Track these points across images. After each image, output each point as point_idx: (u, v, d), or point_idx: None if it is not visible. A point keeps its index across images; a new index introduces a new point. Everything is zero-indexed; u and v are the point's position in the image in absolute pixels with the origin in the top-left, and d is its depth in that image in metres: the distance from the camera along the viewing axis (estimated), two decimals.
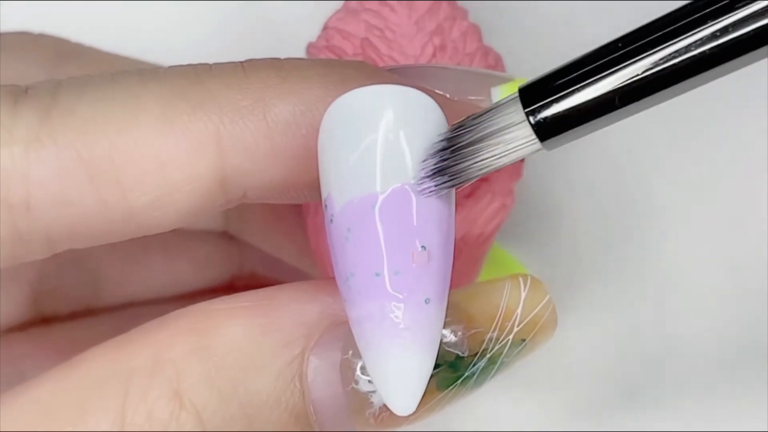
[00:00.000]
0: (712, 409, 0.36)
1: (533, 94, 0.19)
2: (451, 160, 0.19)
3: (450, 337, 0.20)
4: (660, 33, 0.18)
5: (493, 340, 0.21)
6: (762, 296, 0.36)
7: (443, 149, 0.19)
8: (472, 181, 0.20)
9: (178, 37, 0.38)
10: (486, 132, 0.19)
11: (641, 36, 0.18)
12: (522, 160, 0.28)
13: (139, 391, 0.20)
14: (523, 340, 0.21)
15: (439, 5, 0.27)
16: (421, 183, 0.19)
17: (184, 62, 0.21)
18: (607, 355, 0.36)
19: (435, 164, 0.19)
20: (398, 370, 0.19)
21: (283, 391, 0.20)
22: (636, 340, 0.36)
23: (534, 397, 0.36)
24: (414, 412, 0.20)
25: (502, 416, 0.36)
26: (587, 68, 0.18)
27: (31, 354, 0.28)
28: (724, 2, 0.17)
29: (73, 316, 0.30)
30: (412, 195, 0.19)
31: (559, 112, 0.18)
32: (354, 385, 0.20)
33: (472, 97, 0.22)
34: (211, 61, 0.21)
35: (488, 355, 0.21)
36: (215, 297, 0.21)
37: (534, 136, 0.19)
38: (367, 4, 0.27)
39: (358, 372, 0.20)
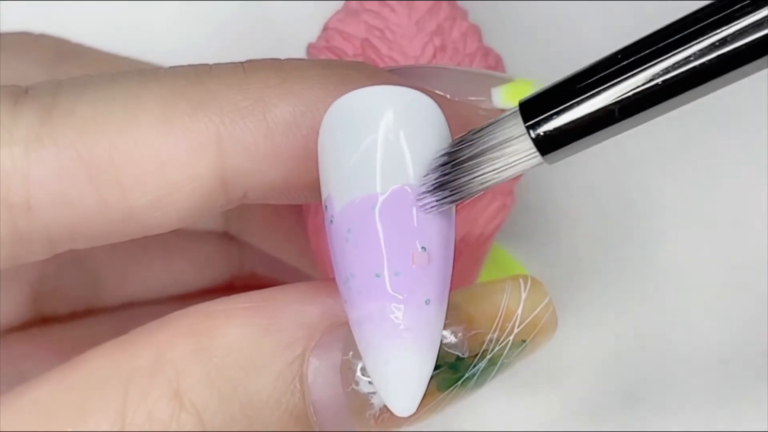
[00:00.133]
0: (712, 409, 0.36)
1: (533, 108, 0.19)
2: (451, 174, 0.19)
3: (450, 338, 0.20)
4: (660, 45, 0.18)
5: (494, 341, 0.21)
6: (762, 296, 0.36)
7: (444, 164, 0.19)
8: (474, 196, 0.20)
9: (179, 38, 0.37)
10: (486, 146, 0.19)
11: (641, 48, 0.18)
12: None
13: (140, 392, 0.20)
14: (524, 341, 0.21)
15: (439, 6, 0.27)
16: (422, 198, 0.19)
17: (185, 62, 0.21)
18: (607, 355, 0.36)
19: (436, 179, 0.19)
20: (399, 371, 0.19)
21: (283, 392, 0.20)
22: (636, 340, 0.36)
23: (534, 397, 0.36)
24: (414, 413, 0.20)
25: (502, 416, 0.36)
26: (587, 81, 0.18)
27: (31, 354, 0.28)
28: (724, 13, 0.17)
29: (73, 316, 0.30)
30: (412, 196, 0.19)
31: (559, 126, 0.19)
32: (354, 386, 0.20)
33: (473, 98, 0.22)
34: (211, 61, 0.21)
35: (488, 356, 0.21)
36: (215, 297, 0.21)
37: (535, 150, 0.19)
38: (368, 5, 0.27)
39: (359, 373, 0.20)
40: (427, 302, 0.19)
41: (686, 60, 0.18)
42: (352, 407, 0.20)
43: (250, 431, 0.20)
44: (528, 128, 0.19)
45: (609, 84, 0.18)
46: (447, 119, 0.20)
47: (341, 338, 0.20)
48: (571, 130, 0.18)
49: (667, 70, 0.18)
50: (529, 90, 0.22)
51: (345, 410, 0.20)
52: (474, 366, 0.20)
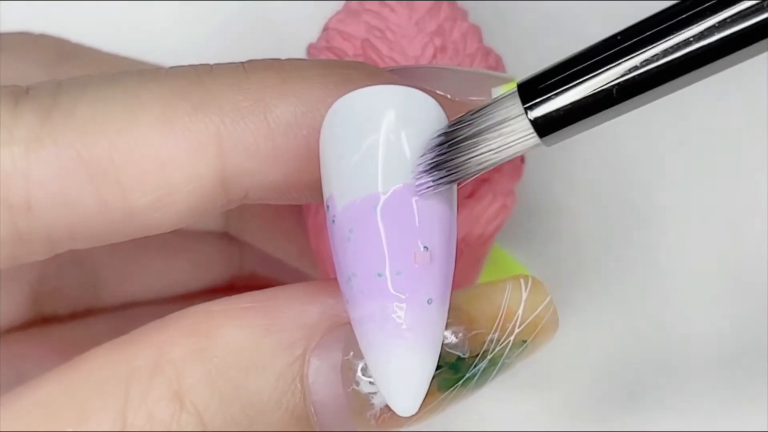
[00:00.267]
0: (712, 409, 0.36)
1: (532, 90, 0.19)
2: (448, 154, 0.19)
3: (451, 339, 0.20)
4: (660, 26, 0.18)
5: (494, 342, 0.21)
6: (762, 296, 0.36)
7: (441, 144, 0.19)
8: (472, 177, 0.20)
9: (179, 38, 0.37)
10: (484, 126, 0.19)
11: (641, 30, 0.18)
12: (522, 161, 0.28)
13: (140, 392, 0.20)
14: (524, 342, 0.21)
15: (439, 6, 0.27)
16: (419, 178, 0.19)
17: (185, 63, 0.21)
18: (608, 355, 0.36)
19: (432, 159, 0.19)
20: (400, 371, 0.19)
21: (284, 393, 0.20)
22: (636, 340, 0.36)
23: (534, 397, 0.36)
24: (416, 413, 0.20)
25: (502, 416, 0.36)
26: (585, 63, 0.18)
27: (32, 354, 0.28)
28: None
29: (74, 316, 0.30)
30: (414, 195, 0.19)
31: (557, 108, 0.18)
32: (355, 386, 0.20)
33: (473, 98, 0.22)
34: (211, 61, 0.21)
35: (489, 357, 0.21)
36: (215, 298, 0.21)
37: (533, 130, 0.19)
38: (368, 5, 0.27)
39: (359, 373, 0.20)
40: (429, 302, 0.19)
41: (686, 42, 0.17)
42: (352, 407, 0.20)
43: None
44: (526, 110, 0.19)
45: (607, 66, 0.18)
46: (448, 119, 0.20)
47: (342, 338, 0.20)
48: (569, 112, 0.18)
49: (666, 52, 0.18)
50: None
51: (346, 410, 0.20)
52: (475, 366, 0.20)
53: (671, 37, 0.18)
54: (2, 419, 0.20)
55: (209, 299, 0.21)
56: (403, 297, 0.19)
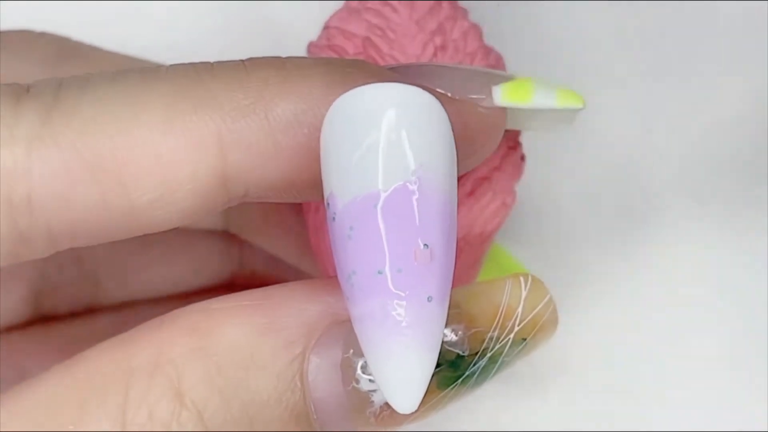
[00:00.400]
0: (712, 409, 0.36)
1: None
2: None
3: (450, 337, 0.20)
4: None
5: (494, 340, 0.21)
6: (762, 296, 0.36)
7: None
8: None
9: (179, 37, 0.38)
10: None
11: None
12: (522, 159, 0.28)
13: (140, 391, 0.20)
14: (524, 340, 0.21)
15: (440, 5, 0.27)
16: None
17: (185, 61, 0.21)
18: (608, 354, 0.36)
19: None
20: (400, 368, 0.19)
21: (284, 391, 0.20)
22: (636, 339, 0.36)
23: (534, 397, 0.36)
24: (415, 411, 0.20)
25: (501, 415, 0.36)
26: None
27: (32, 353, 0.28)
28: None
29: (74, 314, 0.30)
30: (415, 193, 0.19)
31: None
32: (355, 384, 0.20)
33: (473, 96, 0.22)
34: (212, 60, 0.21)
35: (489, 355, 0.21)
36: (215, 296, 0.21)
37: None
38: (369, 4, 0.27)
39: (359, 371, 0.20)
40: (429, 299, 0.19)
41: None
42: (352, 405, 0.20)
43: (250, 431, 0.20)
44: None
45: None
46: (448, 117, 0.20)
47: (341, 336, 0.20)
48: None
49: None
50: (529, 88, 0.22)
51: (345, 408, 0.20)
52: (474, 364, 0.20)
53: None
54: (2, 418, 0.20)
55: (209, 297, 0.21)
56: (403, 295, 0.19)
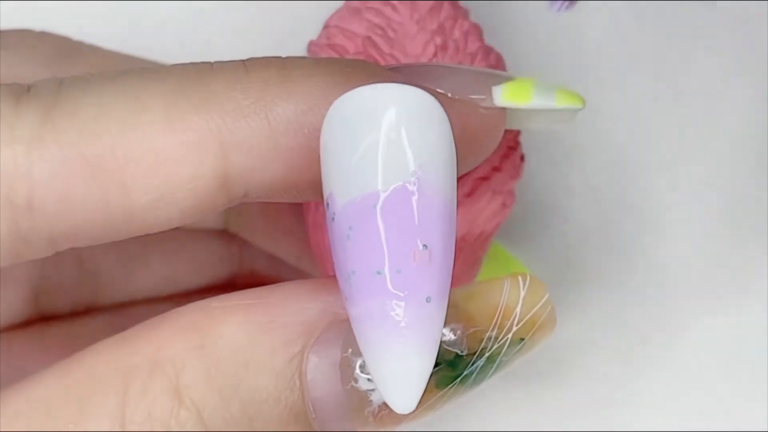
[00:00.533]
0: (712, 409, 0.36)
1: None
2: None
3: (449, 336, 0.20)
4: None
5: (492, 339, 0.21)
6: (762, 296, 0.36)
7: None
8: None
9: (179, 37, 0.38)
10: None
11: None
12: (522, 160, 0.28)
13: (139, 389, 0.20)
14: (522, 339, 0.21)
15: (440, 5, 0.27)
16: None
17: (186, 61, 0.21)
18: (607, 354, 0.36)
19: None
20: (399, 369, 0.19)
21: (283, 390, 0.20)
22: (636, 339, 0.36)
23: (533, 397, 0.36)
24: (413, 411, 0.20)
25: (500, 415, 0.36)
26: None
27: (32, 352, 0.28)
28: None
29: (74, 314, 0.30)
30: (414, 194, 0.19)
31: None
32: (353, 383, 0.20)
33: (473, 96, 0.22)
34: (212, 60, 0.21)
35: (487, 354, 0.21)
36: (215, 295, 0.21)
37: None
38: (369, 3, 0.27)
39: (358, 370, 0.20)
40: (428, 300, 0.20)
41: None
42: (351, 404, 0.20)
43: (250, 430, 0.21)
44: None
45: None
46: (449, 117, 0.20)
47: (340, 335, 0.20)
48: None
49: None
50: (529, 88, 0.22)
51: (344, 407, 0.20)
52: (472, 364, 0.21)
53: None
54: (1, 416, 0.20)
55: (209, 297, 0.21)
56: (402, 295, 0.19)
